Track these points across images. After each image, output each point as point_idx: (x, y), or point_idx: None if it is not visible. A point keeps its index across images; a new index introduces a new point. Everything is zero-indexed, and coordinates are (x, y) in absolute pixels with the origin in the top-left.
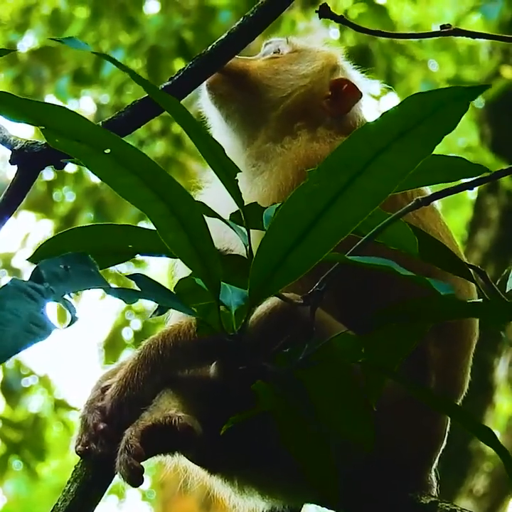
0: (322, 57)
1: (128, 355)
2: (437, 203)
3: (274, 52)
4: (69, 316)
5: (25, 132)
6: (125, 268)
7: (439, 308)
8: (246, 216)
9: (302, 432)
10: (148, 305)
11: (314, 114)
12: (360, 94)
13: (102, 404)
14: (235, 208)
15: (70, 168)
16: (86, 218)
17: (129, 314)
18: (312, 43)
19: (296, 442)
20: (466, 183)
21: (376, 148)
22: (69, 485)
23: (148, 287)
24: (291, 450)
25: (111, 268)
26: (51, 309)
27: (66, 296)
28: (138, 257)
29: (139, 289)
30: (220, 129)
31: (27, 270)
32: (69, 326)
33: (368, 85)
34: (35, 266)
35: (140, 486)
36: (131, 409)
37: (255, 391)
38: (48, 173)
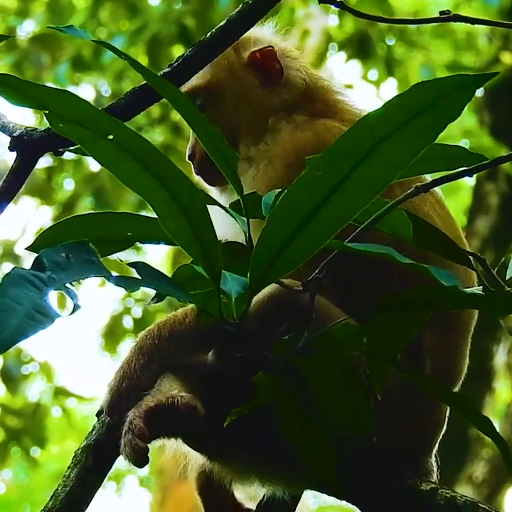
0: (224, 68)
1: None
2: (438, 189)
3: (200, 108)
4: (71, 304)
5: (26, 119)
6: (124, 256)
7: (440, 298)
8: (245, 205)
9: (301, 420)
10: (150, 292)
11: (270, 103)
12: (271, 49)
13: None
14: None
15: (70, 154)
16: (86, 205)
17: (129, 301)
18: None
19: (295, 430)
20: (465, 169)
21: (377, 137)
22: (69, 471)
23: (149, 275)
24: (290, 438)
25: (112, 256)
26: (52, 297)
27: (68, 285)
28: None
29: (139, 277)
30: None
31: (28, 257)
32: (71, 314)
33: (273, 33)
34: (36, 254)
35: (142, 469)
36: (130, 399)
37: (255, 383)
38: (47, 160)
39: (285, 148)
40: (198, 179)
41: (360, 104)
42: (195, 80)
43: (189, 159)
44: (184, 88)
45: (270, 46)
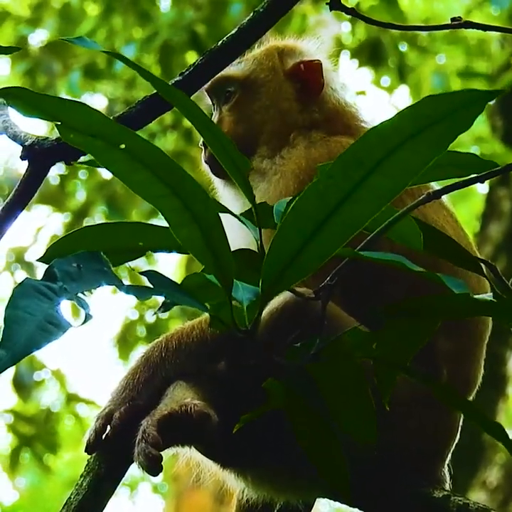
0: (267, 69)
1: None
2: (445, 197)
3: (228, 96)
4: (83, 314)
5: (38, 128)
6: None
7: (450, 305)
8: (257, 213)
9: (313, 428)
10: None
11: (299, 119)
12: (319, 63)
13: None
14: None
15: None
16: (99, 212)
17: (142, 309)
18: (248, 59)
19: (307, 438)
20: (476, 176)
21: (389, 147)
22: (82, 479)
23: (160, 283)
24: (303, 445)
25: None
26: (65, 306)
27: (80, 294)
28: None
29: (151, 286)
30: None
31: (40, 265)
32: (83, 323)
33: (319, 49)
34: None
35: (156, 477)
36: (127, 410)
37: (266, 389)
38: (60, 168)
39: (299, 165)
40: (204, 167)
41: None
42: (234, 68)
43: (202, 145)
44: (221, 72)
45: (318, 60)
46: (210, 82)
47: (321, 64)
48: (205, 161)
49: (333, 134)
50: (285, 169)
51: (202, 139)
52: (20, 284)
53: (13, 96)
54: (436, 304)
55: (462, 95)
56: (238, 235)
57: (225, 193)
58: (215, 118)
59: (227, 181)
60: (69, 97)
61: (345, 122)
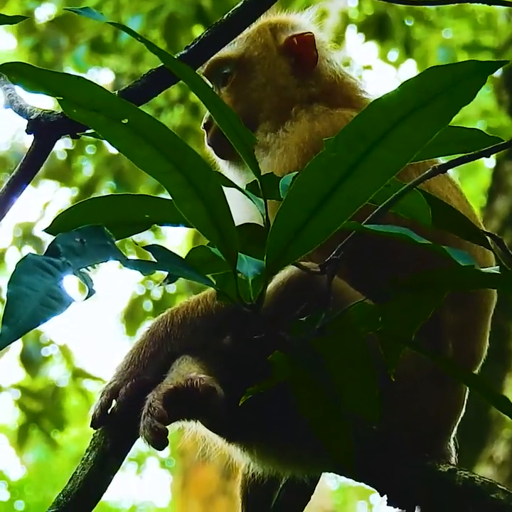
0: (260, 46)
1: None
2: (451, 170)
3: (225, 77)
4: (87, 289)
5: (44, 103)
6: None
7: (456, 278)
8: (263, 186)
9: (318, 402)
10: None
11: (297, 93)
12: (311, 35)
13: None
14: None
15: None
16: (105, 187)
17: (150, 284)
18: (241, 38)
19: (312, 412)
20: (482, 150)
21: (393, 120)
22: (87, 454)
23: (165, 258)
24: (308, 420)
25: (130, 238)
26: (71, 282)
27: (83, 269)
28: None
29: (155, 260)
30: None
31: (47, 240)
32: (86, 298)
33: (311, 21)
34: (53, 237)
35: (162, 451)
36: (133, 385)
37: (272, 362)
38: (67, 143)
39: (303, 138)
40: (208, 149)
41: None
42: (228, 49)
43: (204, 128)
44: (215, 55)
45: (310, 33)
46: (206, 65)
47: (313, 36)
48: (209, 143)
49: (334, 106)
50: (288, 142)
51: (203, 122)
52: (22, 259)
53: (16, 71)
54: (441, 276)
55: (465, 66)
56: (242, 211)
57: (230, 175)
58: None
59: (231, 162)
60: (73, 72)
61: (344, 94)
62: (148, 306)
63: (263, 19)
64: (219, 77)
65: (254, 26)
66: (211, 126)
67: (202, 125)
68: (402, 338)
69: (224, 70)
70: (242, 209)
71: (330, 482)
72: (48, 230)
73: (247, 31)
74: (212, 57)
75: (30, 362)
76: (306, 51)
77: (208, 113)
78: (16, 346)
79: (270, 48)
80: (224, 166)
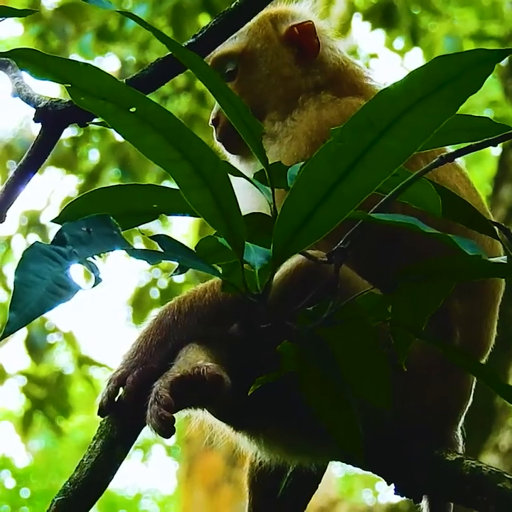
0: (262, 38)
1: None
2: (459, 159)
3: (229, 73)
4: (93, 277)
5: (51, 90)
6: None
7: (464, 267)
8: (270, 175)
9: (326, 391)
10: (176, 263)
11: (302, 83)
12: (311, 24)
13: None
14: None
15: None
16: (111, 175)
17: (156, 272)
18: (243, 32)
19: (320, 401)
20: (489, 139)
21: (400, 109)
22: (94, 442)
23: (171, 248)
24: (315, 409)
25: (136, 228)
26: (77, 270)
27: (90, 258)
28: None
29: (161, 250)
30: None
31: (54, 227)
32: (93, 287)
33: (311, 10)
34: (59, 226)
35: (168, 439)
36: (140, 373)
37: (280, 352)
38: (73, 130)
39: (311, 126)
40: (218, 145)
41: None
42: (229, 45)
43: (212, 124)
44: (217, 51)
45: (310, 21)
46: (210, 62)
47: (313, 24)
48: (218, 139)
49: (341, 94)
50: (296, 131)
51: (211, 118)
52: (29, 247)
53: (24, 58)
54: (449, 265)
55: (472, 55)
56: (248, 201)
57: (240, 169)
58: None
59: (242, 156)
60: (81, 59)
61: (350, 81)
62: (154, 293)
63: (263, 11)
64: (224, 73)
65: (254, 19)
66: (219, 121)
67: (210, 121)
68: (412, 328)
69: (228, 66)
70: (249, 199)
71: (335, 470)
72: (55, 221)
73: (247, 24)
74: (215, 54)
75: (35, 349)
76: (308, 40)
77: (215, 109)
78: (22, 333)
79: (272, 39)
80: (235, 162)
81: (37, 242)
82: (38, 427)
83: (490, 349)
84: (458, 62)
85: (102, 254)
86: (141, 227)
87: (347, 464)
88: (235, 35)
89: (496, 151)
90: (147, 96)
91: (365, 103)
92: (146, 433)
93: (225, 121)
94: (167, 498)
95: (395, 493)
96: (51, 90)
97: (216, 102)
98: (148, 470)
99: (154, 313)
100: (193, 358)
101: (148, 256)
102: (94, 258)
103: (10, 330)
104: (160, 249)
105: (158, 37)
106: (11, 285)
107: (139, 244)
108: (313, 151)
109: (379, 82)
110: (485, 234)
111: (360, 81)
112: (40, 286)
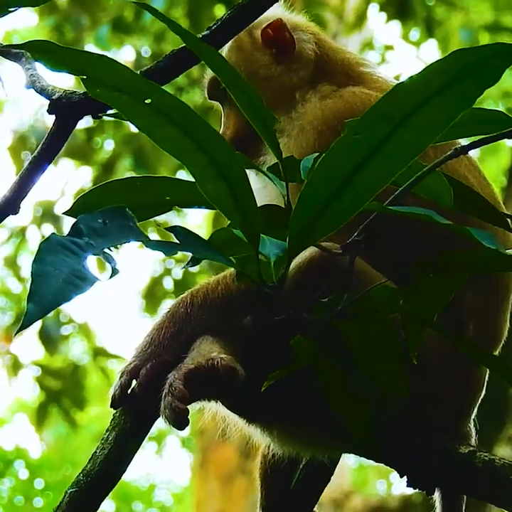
0: (235, 49)
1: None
2: (473, 155)
3: (223, 92)
4: (109, 268)
5: (65, 81)
6: (165, 218)
7: (479, 260)
8: (284, 167)
9: (340, 384)
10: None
11: (286, 80)
12: (279, 20)
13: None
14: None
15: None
16: (125, 166)
17: (170, 263)
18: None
19: (334, 394)
20: (504, 131)
21: (417, 101)
22: (107, 433)
23: (187, 239)
24: (330, 401)
25: (152, 219)
26: (91, 261)
27: (106, 250)
28: None
29: (177, 241)
30: None
31: (67, 218)
32: (110, 278)
33: (278, 6)
34: (73, 218)
35: (182, 431)
36: (153, 366)
37: (294, 346)
38: (87, 121)
39: (316, 116)
40: None
41: (385, 73)
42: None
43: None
44: (207, 76)
45: (279, 18)
46: (205, 89)
47: (281, 20)
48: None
49: (340, 85)
50: (303, 122)
51: (221, 128)
52: (46, 239)
53: (40, 50)
54: (464, 258)
55: (490, 49)
56: (261, 195)
57: (255, 180)
58: (223, 119)
59: (255, 159)
60: (96, 51)
61: (342, 71)
62: (168, 284)
63: None
64: (220, 95)
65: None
66: (226, 135)
67: (221, 130)
68: (424, 321)
69: (220, 86)
70: (261, 193)
71: (349, 461)
72: (68, 213)
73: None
74: (205, 80)
75: (49, 340)
76: (282, 36)
77: (222, 127)
78: (36, 324)
79: (247, 49)
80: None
81: (53, 234)
82: (53, 418)
83: (503, 341)
84: (475, 55)
85: (117, 246)
86: (157, 218)
87: (360, 456)
88: None
89: (510, 142)
90: (162, 87)
91: (382, 96)
92: (161, 424)
93: (233, 133)
94: (181, 489)
95: (407, 486)
96: (64, 82)
97: (222, 117)
98: (163, 461)
99: (167, 305)
100: (207, 350)
101: (165, 247)
102: (110, 249)
103: (28, 321)
104: (176, 241)
105: (172, 28)
106: (25, 276)
107: (152, 235)
108: (321, 141)
109: (374, 67)
110: (498, 226)
111: (353, 69)
112: (58, 277)
